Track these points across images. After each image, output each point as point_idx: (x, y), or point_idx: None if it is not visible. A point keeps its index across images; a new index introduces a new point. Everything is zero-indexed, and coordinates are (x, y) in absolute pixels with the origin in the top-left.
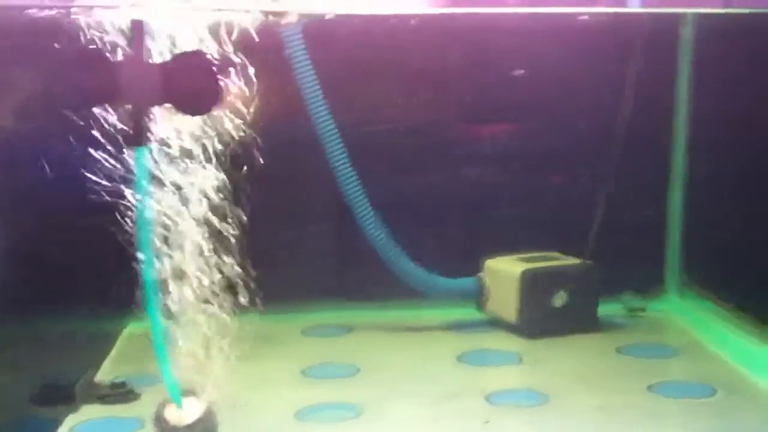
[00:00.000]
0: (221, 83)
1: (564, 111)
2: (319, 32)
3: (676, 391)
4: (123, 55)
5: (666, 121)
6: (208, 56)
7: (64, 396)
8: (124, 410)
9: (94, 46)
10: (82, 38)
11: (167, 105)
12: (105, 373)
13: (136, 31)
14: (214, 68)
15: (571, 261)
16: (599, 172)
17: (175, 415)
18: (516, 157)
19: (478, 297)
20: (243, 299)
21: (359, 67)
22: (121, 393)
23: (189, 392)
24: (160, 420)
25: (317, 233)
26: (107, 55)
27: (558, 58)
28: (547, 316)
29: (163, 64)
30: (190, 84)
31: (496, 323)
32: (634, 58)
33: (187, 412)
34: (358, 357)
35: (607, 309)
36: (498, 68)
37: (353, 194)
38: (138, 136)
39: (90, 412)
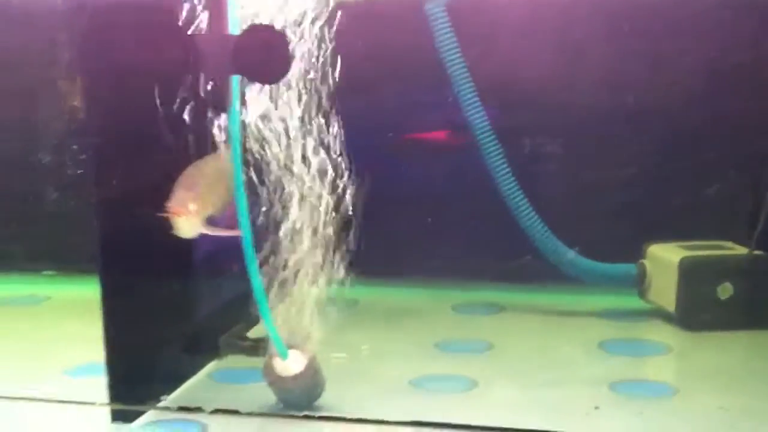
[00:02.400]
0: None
1: (740, 92)
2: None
3: None
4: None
5: None
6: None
7: (210, 346)
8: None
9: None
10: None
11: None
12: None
13: (217, 6)
14: (284, 40)
15: (739, 251)
16: None
17: (281, 366)
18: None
19: (638, 284)
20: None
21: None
22: (264, 347)
23: (297, 347)
24: (268, 369)
25: (481, 213)
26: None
27: (718, 39)
28: (710, 308)
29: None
30: (261, 54)
31: (658, 313)
32: None
33: (292, 364)
34: (497, 336)
35: None
36: (659, 53)
37: (505, 181)
38: (223, 102)
39: (233, 362)
